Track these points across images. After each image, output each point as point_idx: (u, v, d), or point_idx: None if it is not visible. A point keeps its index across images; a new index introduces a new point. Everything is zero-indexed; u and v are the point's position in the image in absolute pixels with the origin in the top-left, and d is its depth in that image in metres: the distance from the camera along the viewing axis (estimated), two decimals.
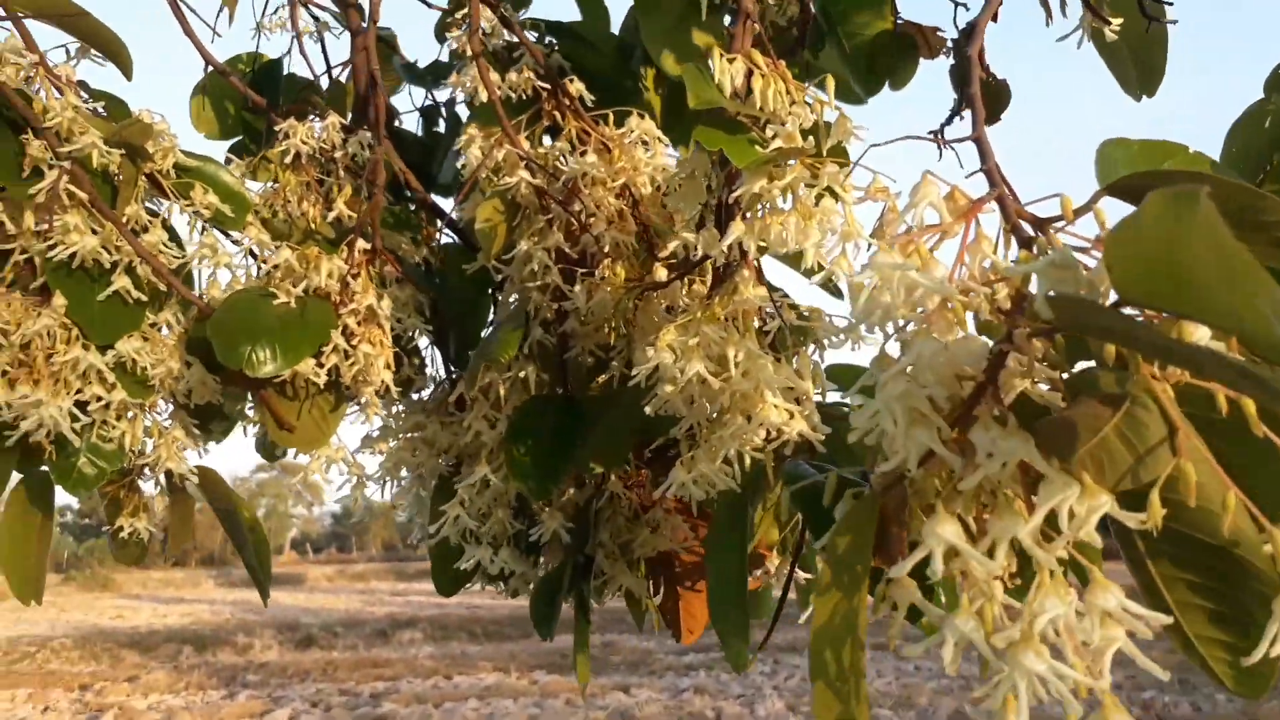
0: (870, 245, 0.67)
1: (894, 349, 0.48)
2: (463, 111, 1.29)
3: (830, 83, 0.65)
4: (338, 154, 1.06)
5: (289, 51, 1.33)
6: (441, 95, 1.32)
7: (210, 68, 1.09)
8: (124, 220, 0.86)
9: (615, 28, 1.20)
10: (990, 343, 0.45)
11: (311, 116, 1.10)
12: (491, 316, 1.07)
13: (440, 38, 1.31)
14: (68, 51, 0.95)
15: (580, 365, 0.97)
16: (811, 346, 0.75)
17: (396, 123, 1.26)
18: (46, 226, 0.84)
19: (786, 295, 0.74)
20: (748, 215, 0.67)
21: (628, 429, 0.93)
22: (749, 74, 0.67)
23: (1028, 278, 0.44)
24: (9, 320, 0.81)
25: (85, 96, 0.91)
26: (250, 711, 7.40)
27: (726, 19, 0.98)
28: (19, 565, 0.87)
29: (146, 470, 0.91)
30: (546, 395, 0.92)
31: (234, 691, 8.29)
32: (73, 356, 0.81)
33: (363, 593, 21.18)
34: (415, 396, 1.04)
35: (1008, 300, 0.45)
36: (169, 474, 0.89)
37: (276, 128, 1.03)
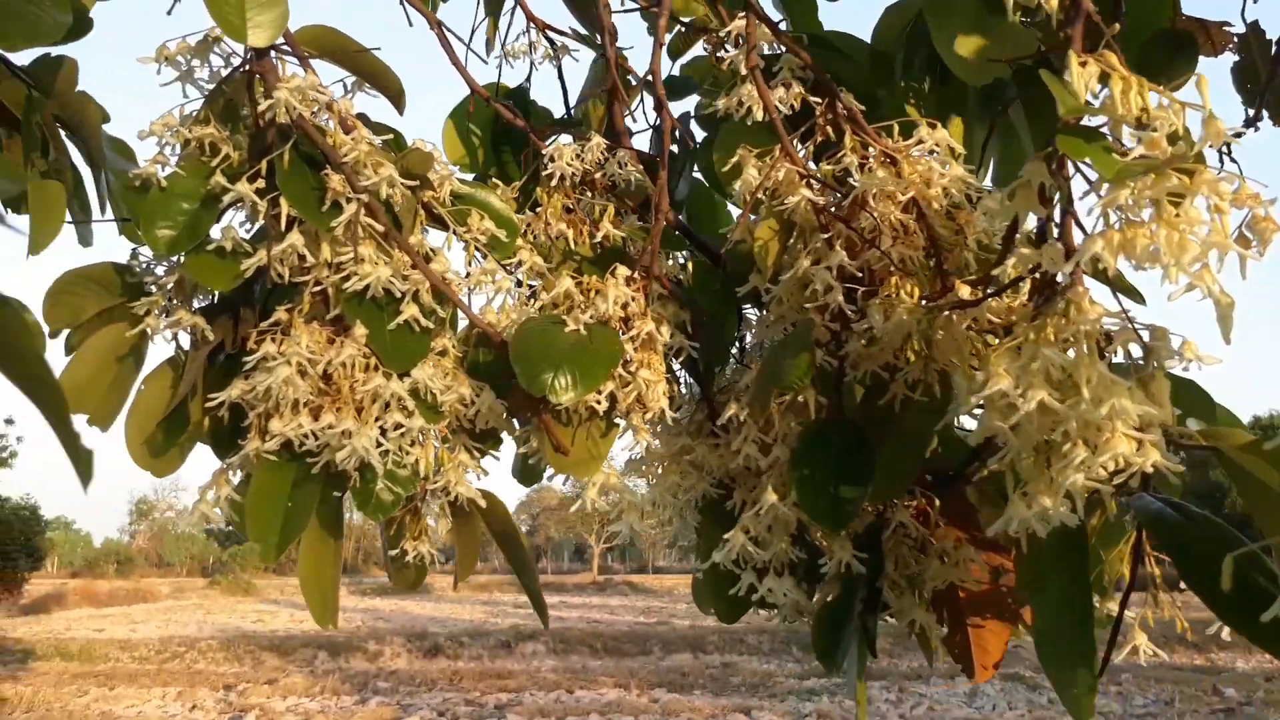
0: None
1: None
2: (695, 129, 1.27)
3: (1205, 84, 0.60)
4: (596, 175, 1.06)
5: (528, 78, 1.35)
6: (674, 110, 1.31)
7: (472, 94, 1.11)
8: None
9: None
10: None
11: (566, 139, 1.11)
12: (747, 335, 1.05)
13: (674, 54, 1.30)
14: (345, 86, 0.97)
15: (854, 388, 0.93)
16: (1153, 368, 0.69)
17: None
18: (341, 257, 0.86)
19: (1128, 312, 0.68)
20: (1104, 228, 0.62)
21: (914, 455, 0.89)
22: (1103, 77, 0.62)
23: None
24: (314, 351, 0.83)
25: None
26: (381, 717, 7.65)
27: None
28: (318, 590, 0.89)
29: (430, 495, 0.92)
30: (829, 420, 0.89)
31: (365, 697, 8.61)
32: (375, 385, 0.82)
33: (486, 603, 21.67)
34: (672, 417, 1.02)
35: None
36: (454, 498, 0.90)
37: (543, 151, 1.03)
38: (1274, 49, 0.91)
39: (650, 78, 0.92)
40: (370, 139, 0.87)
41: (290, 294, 0.92)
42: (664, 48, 0.92)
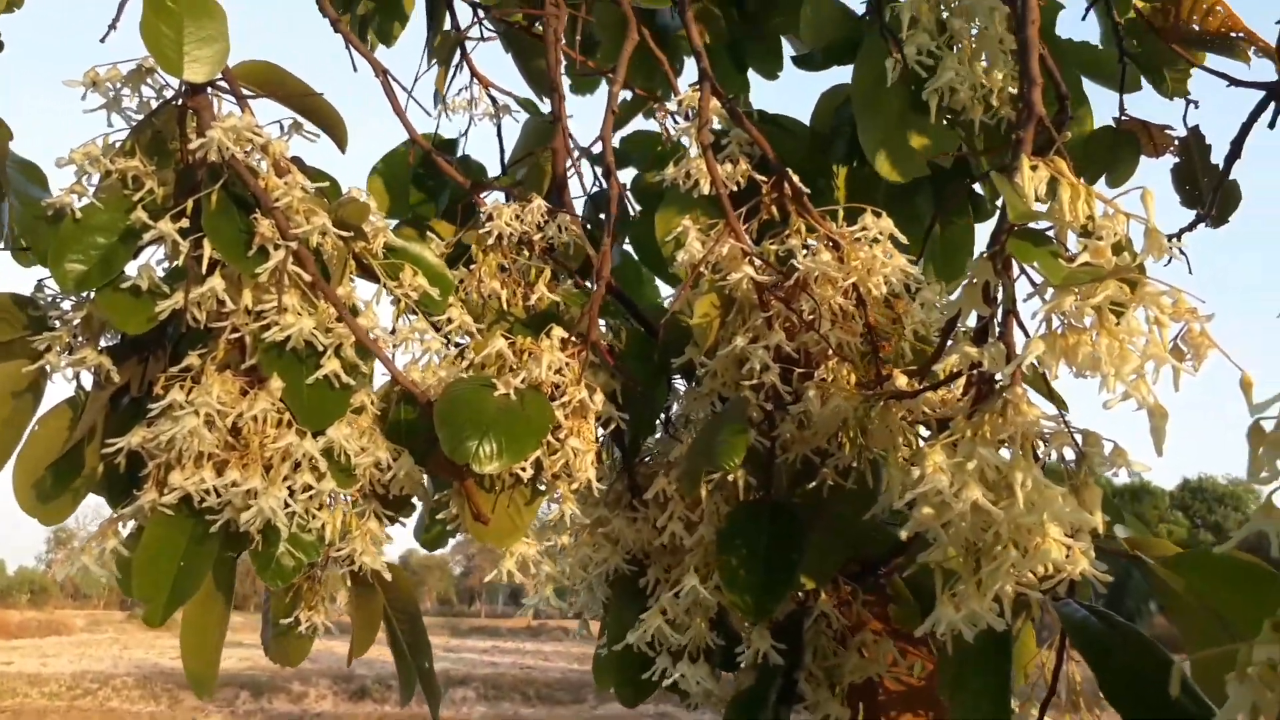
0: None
1: None
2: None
3: (1150, 198, 0.60)
4: (535, 236, 1.04)
5: (465, 132, 1.33)
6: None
7: (412, 143, 1.08)
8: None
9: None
10: None
11: (503, 198, 1.09)
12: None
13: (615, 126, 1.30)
14: (281, 126, 0.94)
15: (784, 470, 0.92)
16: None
17: None
18: (262, 305, 0.82)
19: (1063, 416, 0.68)
20: (1044, 331, 0.62)
21: (842, 544, 0.87)
22: (1051, 182, 0.62)
23: None
24: (225, 402, 0.79)
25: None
26: None
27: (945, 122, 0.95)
28: (200, 656, 0.84)
29: (331, 562, 0.87)
30: (757, 502, 0.87)
31: None
32: (287, 443, 0.78)
33: None
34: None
35: None
36: (359, 569, 0.86)
37: (481, 209, 1.01)
38: (1230, 152, 0.94)
39: (601, 144, 0.90)
40: (304, 184, 0.84)
41: (204, 339, 0.88)
42: (614, 114, 0.91)
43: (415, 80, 1.16)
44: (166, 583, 0.77)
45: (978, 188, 1.14)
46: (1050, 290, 0.61)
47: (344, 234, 0.83)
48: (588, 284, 1.12)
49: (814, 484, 0.86)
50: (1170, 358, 0.59)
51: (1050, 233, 0.66)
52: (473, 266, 1.06)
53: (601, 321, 1.09)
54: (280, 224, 0.81)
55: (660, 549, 0.96)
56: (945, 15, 0.89)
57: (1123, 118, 1.03)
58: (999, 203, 0.92)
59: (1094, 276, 0.57)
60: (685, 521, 0.90)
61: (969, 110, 0.90)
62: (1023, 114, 0.66)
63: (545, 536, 0.96)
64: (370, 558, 0.84)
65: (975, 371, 0.71)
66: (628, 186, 1.28)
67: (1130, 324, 0.60)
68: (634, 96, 1.30)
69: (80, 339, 0.87)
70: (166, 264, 0.88)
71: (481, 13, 1.09)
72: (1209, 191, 1.01)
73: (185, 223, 0.81)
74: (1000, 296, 0.67)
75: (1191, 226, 0.94)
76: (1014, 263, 0.67)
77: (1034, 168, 0.62)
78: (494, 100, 1.31)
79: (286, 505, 0.78)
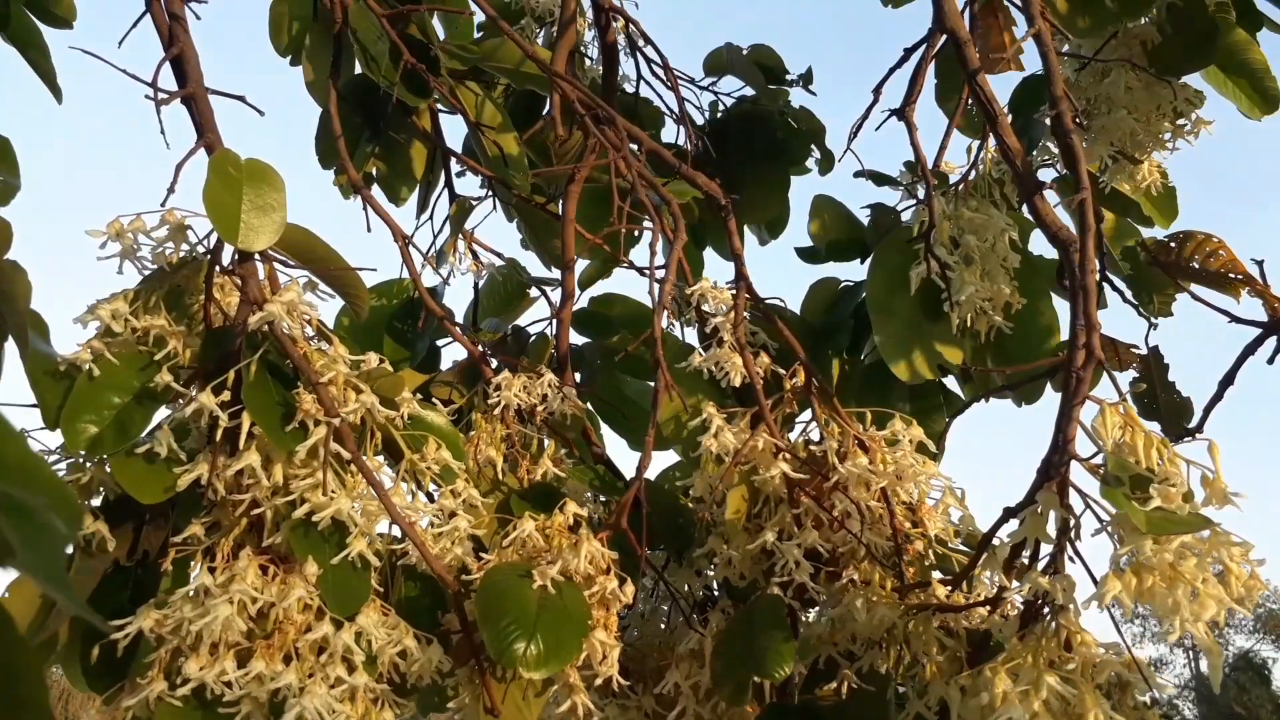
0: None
1: None
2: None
3: (1216, 450, 0.65)
4: (538, 408, 1.03)
5: (446, 282, 1.33)
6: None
7: (425, 312, 1.07)
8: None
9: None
10: None
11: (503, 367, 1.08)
12: None
13: (584, 285, 1.32)
14: (298, 283, 0.92)
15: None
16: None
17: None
18: (296, 482, 0.78)
19: (1118, 645, 0.71)
20: (1119, 569, 0.65)
21: None
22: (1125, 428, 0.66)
23: None
24: (257, 587, 0.74)
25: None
26: None
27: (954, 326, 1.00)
28: None
29: None
30: (781, 707, 0.87)
31: None
32: (323, 633, 0.74)
33: None
34: None
35: None
36: None
37: (491, 381, 1.00)
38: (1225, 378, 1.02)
39: (657, 352, 0.91)
40: (346, 357, 0.82)
41: (197, 507, 0.83)
42: (665, 309, 0.92)
43: (415, 230, 1.16)
44: None
45: (949, 383, 1.21)
46: (1124, 531, 0.65)
47: (387, 413, 0.81)
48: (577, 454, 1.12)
49: (834, 685, 0.87)
50: (1237, 605, 0.63)
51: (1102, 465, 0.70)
52: (472, 434, 1.04)
53: (591, 494, 1.09)
54: (324, 400, 0.78)
55: None
56: (959, 233, 0.95)
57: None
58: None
59: (1182, 528, 0.61)
60: (698, 718, 0.88)
61: (975, 320, 0.96)
62: (1081, 357, 0.71)
63: None
64: None
65: (1024, 595, 0.74)
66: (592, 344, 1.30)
67: (1200, 568, 0.64)
68: (604, 261, 1.34)
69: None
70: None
71: (496, 188, 1.10)
72: (1165, 406, 1.10)
73: (226, 395, 0.77)
74: (1056, 527, 0.70)
75: (1183, 435, 1.01)
76: (1070, 491, 0.71)
77: (1107, 415, 0.66)
78: (476, 256, 1.31)
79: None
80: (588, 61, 1.31)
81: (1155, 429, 1.10)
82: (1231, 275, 1.02)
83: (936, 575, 0.86)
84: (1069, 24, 0.89)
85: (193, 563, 0.79)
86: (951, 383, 1.21)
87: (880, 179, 1.14)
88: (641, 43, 1.25)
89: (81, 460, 0.82)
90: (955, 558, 0.90)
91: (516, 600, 0.78)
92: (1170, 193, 1.14)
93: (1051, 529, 0.70)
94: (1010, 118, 1.03)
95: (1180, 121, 1.04)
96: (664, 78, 1.25)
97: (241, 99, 0.85)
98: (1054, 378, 1.04)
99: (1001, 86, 1.04)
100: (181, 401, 0.78)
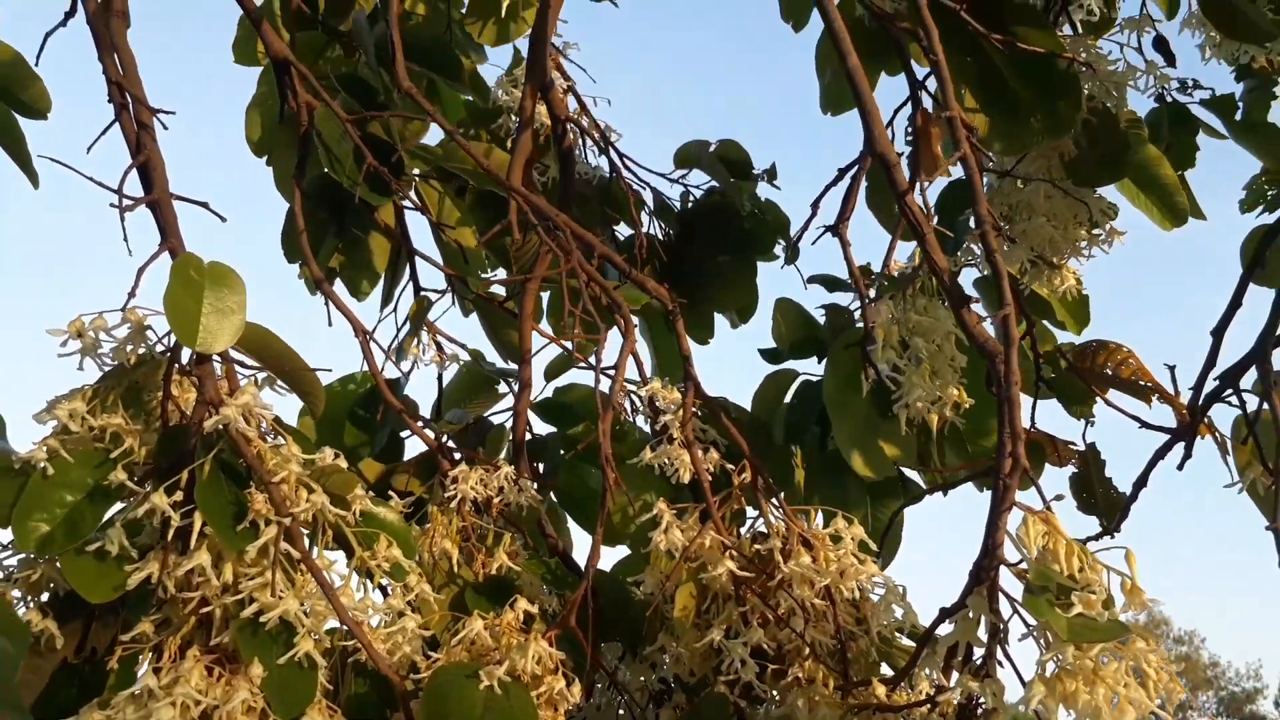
0: None
1: None
2: None
3: (1133, 559, 0.68)
4: (495, 499, 1.05)
5: (407, 376, 1.34)
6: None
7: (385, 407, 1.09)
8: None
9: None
10: None
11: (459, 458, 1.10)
12: None
13: (550, 376, 1.34)
14: (255, 382, 0.94)
15: None
16: None
17: None
18: (243, 581, 0.79)
19: None
20: (1044, 674, 0.67)
21: None
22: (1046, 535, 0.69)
23: None
24: (201, 689, 0.75)
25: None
26: None
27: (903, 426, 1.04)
28: None
29: None
30: None
31: None
32: None
33: None
34: None
35: None
36: None
37: (449, 473, 1.02)
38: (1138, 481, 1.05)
39: (600, 439, 0.93)
40: (298, 456, 0.83)
41: (147, 604, 0.84)
42: (614, 409, 0.95)
43: (377, 324, 1.18)
44: None
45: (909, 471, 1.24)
46: (1048, 637, 0.67)
47: (339, 511, 0.82)
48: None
49: None
50: (1157, 709, 0.65)
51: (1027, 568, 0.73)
52: (426, 526, 1.05)
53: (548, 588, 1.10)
54: (275, 499, 0.80)
55: None
56: (907, 334, 0.99)
57: (1032, 429, 1.16)
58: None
59: (1101, 636, 0.63)
60: None
61: (925, 417, 0.99)
62: (1007, 465, 0.74)
63: None
64: None
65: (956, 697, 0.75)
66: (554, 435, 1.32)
67: (1120, 673, 0.66)
68: (567, 354, 1.37)
69: (27, 600, 0.82)
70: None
71: (456, 285, 1.13)
72: (1077, 495, 1.14)
73: (179, 495, 0.79)
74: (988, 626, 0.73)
75: (1096, 538, 1.05)
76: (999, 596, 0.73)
77: (1033, 524, 0.69)
78: (440, 348, 1.33)
79: None
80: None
81: (1094, 523, 1.15)
82: (1141, 383, 1.06)
83: (883, 670, 0.87)
84: (989, 145, 0.95)
85: (141, 660, 0.80)
86: (911, 471, 1.24)
87: (833, 284, 1.19)
88: (611, 139, 1.30)
89: (31, 557, 0.83)
90: (899, 653, 0.91)
91: (462, 701, 0.79)
92: (1084, 300, 1.19)
93: (983, 633, 0.72)
94: (936, 219, 1.08)
95: (1095, 231, 1.10)
96: (632, 176, 1.30)
97: (205, 205, 0.88)
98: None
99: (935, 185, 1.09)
100: (135, 498, 0.79)
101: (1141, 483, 0.97)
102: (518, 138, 1.09)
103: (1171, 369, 0.99)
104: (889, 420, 1.02)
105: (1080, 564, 0.69)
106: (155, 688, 0.74)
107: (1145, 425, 0.99)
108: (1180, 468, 0.95)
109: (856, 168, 0.92)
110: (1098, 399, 1.11)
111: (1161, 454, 0.95)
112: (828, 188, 0.95)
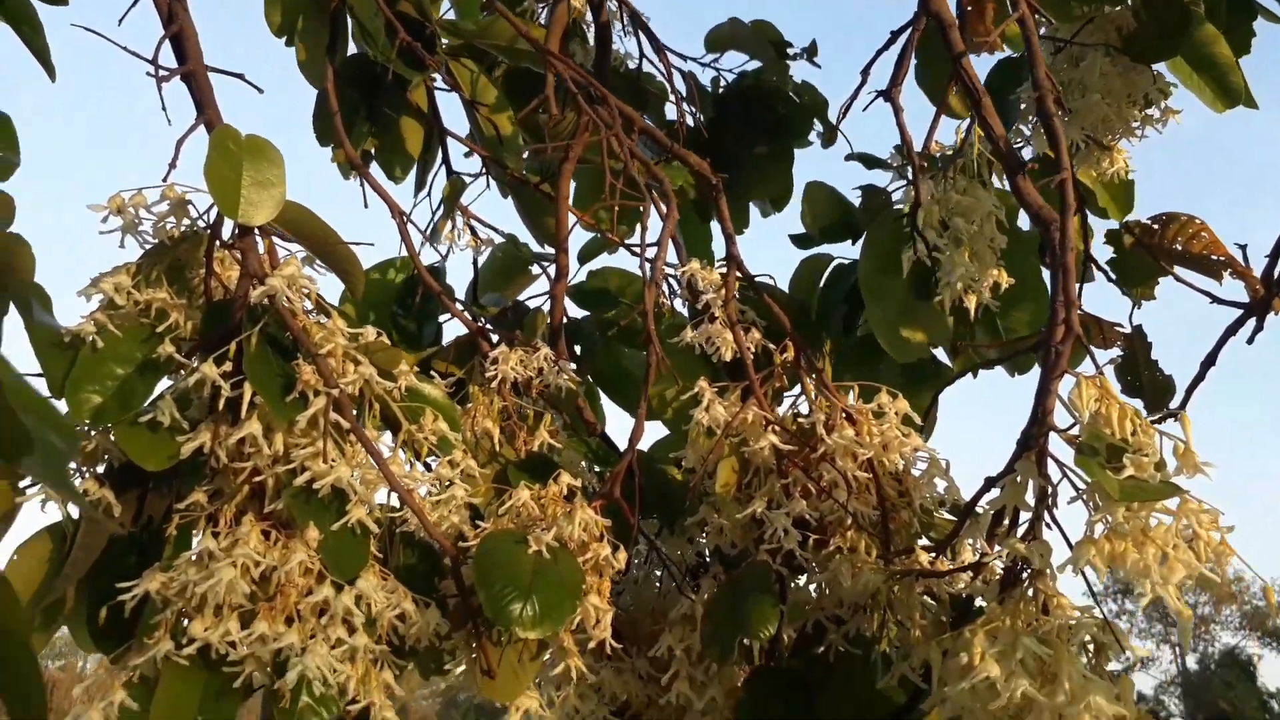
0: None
1: None
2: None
3: (1188, 422, 0.67)
4: (534, 381, 1.05)
5: (444, 259, 1.34)
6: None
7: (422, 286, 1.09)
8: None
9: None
10: None
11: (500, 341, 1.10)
12: None
13: (584, 259, 1.34)
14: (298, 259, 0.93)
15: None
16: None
17: None
18: (295, 450, 0.80)
19: (1092, 608, 0.73)
20: (1095, 535, 0.67)
21: (848, 707, 0.90)
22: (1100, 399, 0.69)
23: None
24: (260, 551, 0.76)
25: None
26: None
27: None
28: None
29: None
30: (770, 669, 0.89)
31: None
32: (324, 596, 0.76)
33: None
34: None
35: None
36: None
37: (489, 354, 1.02)
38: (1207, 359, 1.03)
39: (643, 316, 0.93)
40: (344, 330, 0.83)
41: (200, 475, 0.85)
42: (654, 286, 0.94)
43: (413, 209, 1.17)
44: None
45: (940, 354, 1.24)
46: (1098, 498, 0.67)
47: (386, 384, 0.83)
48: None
49: (821, 649, 0.89)
50: (1207, 571, 0.65)
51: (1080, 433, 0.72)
52: (469, 406, 1.06)
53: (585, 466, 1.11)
54: (324, 371, 0.80)
55: (647, 701, 0.96)
56: (947, 215, 0.97)
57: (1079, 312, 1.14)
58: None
59: (1153, 495, 0.63)
60: (691, 681, 0.91)
61: (964, 299, 0.98)
62: (1060, 332, 0.73)
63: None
64: (389, 712, 0.81)
65: (1002, 560, 0.76)
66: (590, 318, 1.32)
67: (1170, 534, 0.66)
68: (601, 237, 1.35)
69: (84, 470, 0.83)
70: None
71: (490, 167, 1.11)
72: (1122, 380, 1.13)
73: (228, 366, 0.79)
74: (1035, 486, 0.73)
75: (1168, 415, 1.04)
76: (1048, 461, 0.73)
77: (1084, 386, 0.68)
78: (475, 233, 1.32)
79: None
80: (588, 42, 1.32)
81: (1139, 406, 1.14)
82: (1213, 258, 1.04)
83: (922, 542, 0.88)
84: (1058, 9, 0.91)
85: (196, 528, 0.82)
86: (942, 354, 1.23)
87: (871, 161, 1.16)
88: (639, 22, 1.27)
89: (85, 428, 0.84)
90: (940, 525, 0.92)
91: (512, 565, 0.80)
92: (1128, 185, 1.16)
93: (1030, 497, 0.72)
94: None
95: (1149, 110, 1.06)
96: (661, 62, 1.27)
97: (240, 76, 0.87)
98: (1037, 351, 1.06)
99: (980, 68, 1.06)
100: (183, 372, 0.80)
101: (1210, 360, 0.95)
102: (553, 9, 1.07)
103: (1243, 247, 0.96)
104: (926, 302, 1.01)
105: (1133, 427, 0.68)
106: (215, 550, 0.75)
107: (1218, 300, 0.97)
108: (1250, 341, 0.93)
109: (911, 30, 0.89)
110: (1159, 279, 1.09)
111: (1233, 330, 0.93)
112: (879, 52, 0.92)
